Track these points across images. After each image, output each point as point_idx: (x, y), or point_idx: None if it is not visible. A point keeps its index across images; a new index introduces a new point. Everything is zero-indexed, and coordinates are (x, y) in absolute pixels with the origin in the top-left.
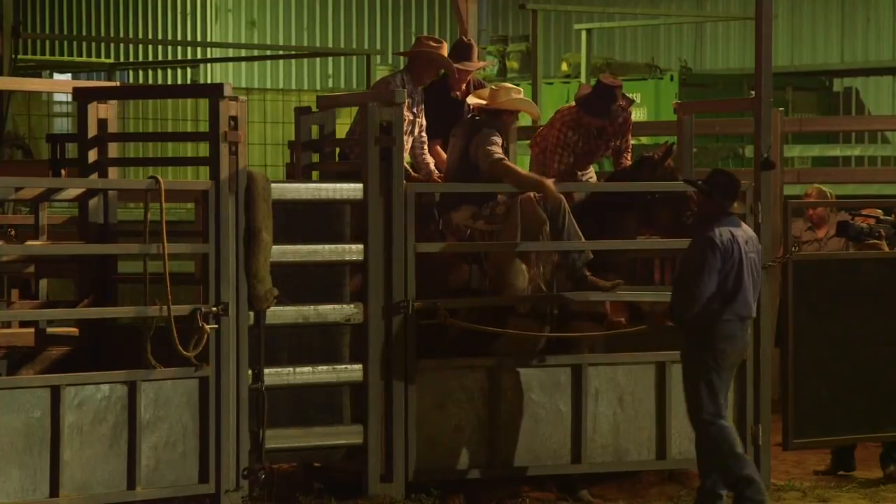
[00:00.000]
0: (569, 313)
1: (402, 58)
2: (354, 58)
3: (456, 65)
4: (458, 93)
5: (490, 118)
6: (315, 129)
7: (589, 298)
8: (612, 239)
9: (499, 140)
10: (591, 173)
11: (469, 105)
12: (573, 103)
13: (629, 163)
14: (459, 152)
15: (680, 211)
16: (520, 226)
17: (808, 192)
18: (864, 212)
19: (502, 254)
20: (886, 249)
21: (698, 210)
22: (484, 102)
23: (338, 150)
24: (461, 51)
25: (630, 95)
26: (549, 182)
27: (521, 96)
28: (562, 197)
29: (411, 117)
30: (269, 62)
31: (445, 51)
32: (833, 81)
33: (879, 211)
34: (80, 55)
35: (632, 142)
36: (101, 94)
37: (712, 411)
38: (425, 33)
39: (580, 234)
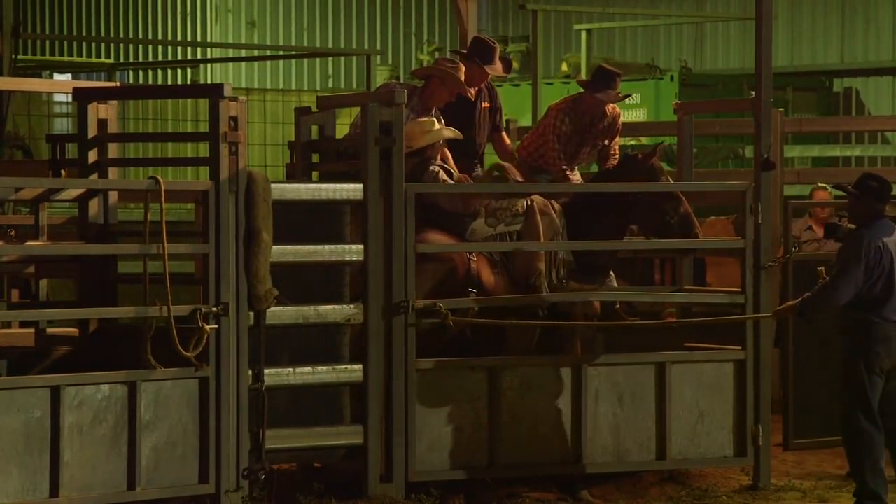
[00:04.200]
0: (561, 315)
1: (402, 62)
2: (354, 58)
3: (482, 67)
4: (471, 93)
5: (418, 160)
6: (315, 130)
7: (589, 298)
8: (598, 240)
9: (437, 169)
10: (577, 175)
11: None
12: (565, 97)
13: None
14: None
15: (664, 210)
16: (541, 226)
17: (814, 192)
18: None
19: (528, 253)
20: None
21: (849, 214)
22: None
23: (337, 149)
24: (481, 51)
25: (631, 95)
26: (509, 165)
27: (434, 127)
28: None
29: None
30: (269, 62)
31: (462, 73)
32: (833, 82)
33: None
34: (80, 55)
35: (618, 146)
36: (102, 95)
37: (865, 418)
38: (425, 34)
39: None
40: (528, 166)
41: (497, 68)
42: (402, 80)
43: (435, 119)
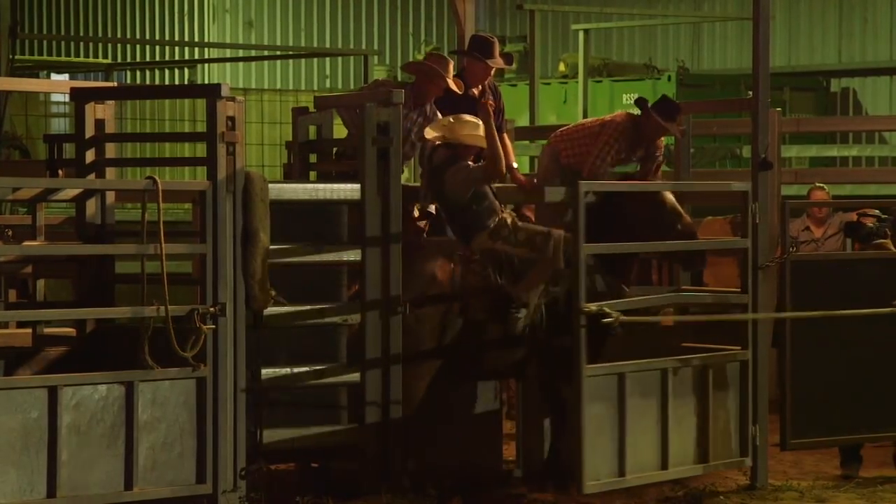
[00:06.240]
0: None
1: (400, 62)
2: (352, 58)
3: (483, 61)
4: (473, 91)
5: (452, 152)
6: (312, 130)
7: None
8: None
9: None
10: None
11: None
12: (617, 115)
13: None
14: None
15: (668, 225)
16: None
17: (812, 192)
18: (868, 212)
19: (531, 281)
20: (893, 249)
21: None
22: (437, 135)
23: (335, 149)
24: (482, 47)
25: (685, 128)
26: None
27: (479, 132)
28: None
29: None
30: (266, 62)
31: (449, 68)
32: (830, 81)
33: (876, 211)
34: (77, 55)
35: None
36: (99, 95)
37: None
38: (423, 34)
39: None
40: (571, 172)
41: (498, 62)
42: (399, 80)
43: (476, 122)
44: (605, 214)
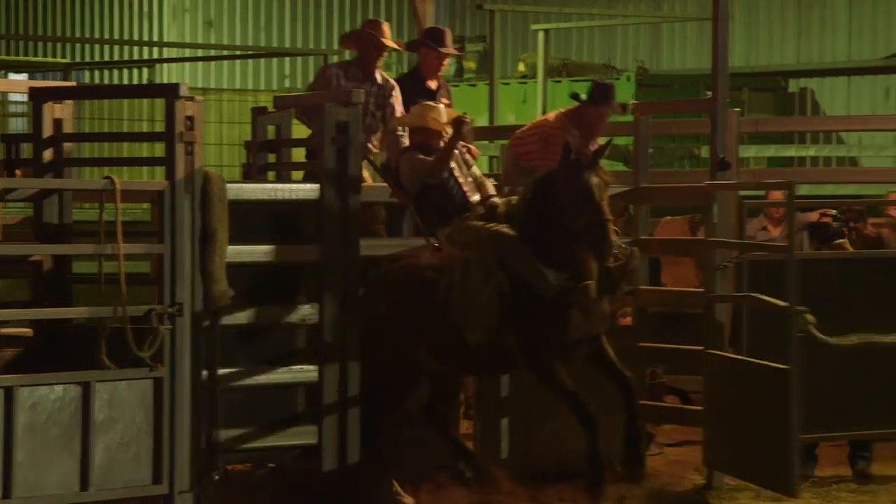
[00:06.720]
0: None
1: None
2: (311, 58)
3: (436, 49)
4: (431, 83)
5: (416, 138)
6: (272, 130)
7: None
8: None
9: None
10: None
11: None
12: (555, 120)
13: None
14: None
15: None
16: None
17: (770, 192)
18: (826, 212)
19: (473, 294)
20: (850, 249)
21: None
22: (405, 121)
23: (304, 149)
24: (434, 36)
25: (628, 106)
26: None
27: (443, 118)
28: None
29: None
30: (225, 62)
31: (383, 29)
32: (789, 82)
33: (834, 211)
34: (35, 55)
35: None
36: (57, 94)
37: None
38: None
39: None
40: (519, 168)
41: (451, 49)
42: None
43: (442, 108)
44: (535, 204)
